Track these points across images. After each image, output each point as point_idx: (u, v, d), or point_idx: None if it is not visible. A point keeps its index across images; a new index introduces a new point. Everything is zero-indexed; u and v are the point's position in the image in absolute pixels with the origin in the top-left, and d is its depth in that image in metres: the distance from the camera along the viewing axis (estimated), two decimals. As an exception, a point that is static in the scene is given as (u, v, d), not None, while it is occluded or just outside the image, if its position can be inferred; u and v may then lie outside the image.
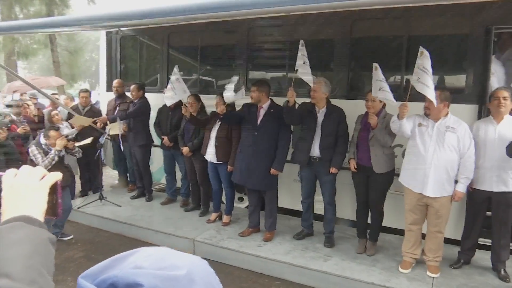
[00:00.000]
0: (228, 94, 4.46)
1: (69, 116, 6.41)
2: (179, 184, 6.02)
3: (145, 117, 5.92)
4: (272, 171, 4.45)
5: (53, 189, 0.78)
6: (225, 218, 5.15)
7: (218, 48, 6.23)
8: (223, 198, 5.28)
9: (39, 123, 6.92)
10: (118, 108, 6.17)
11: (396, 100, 4.41)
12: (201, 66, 6.17)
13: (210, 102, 5.07)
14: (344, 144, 4.28)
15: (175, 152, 5.69)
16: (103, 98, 7.21)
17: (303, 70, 4.05)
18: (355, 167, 4.14)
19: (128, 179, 6.83)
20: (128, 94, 6.25)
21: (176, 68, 5.19)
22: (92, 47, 29.64)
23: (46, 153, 4.49)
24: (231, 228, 5.01)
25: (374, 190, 4.09)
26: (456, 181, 3.67)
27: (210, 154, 4.94)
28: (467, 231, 3.99)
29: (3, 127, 5.05)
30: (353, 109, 4.37)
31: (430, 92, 3.36)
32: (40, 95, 7.85)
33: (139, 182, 6.32)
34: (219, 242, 4.60)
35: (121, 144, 6.11)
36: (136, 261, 0.60)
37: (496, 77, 4.31)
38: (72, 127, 6.22)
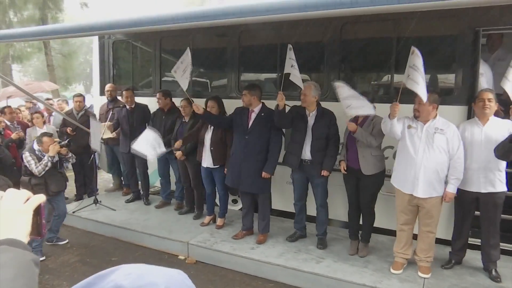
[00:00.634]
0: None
1: (64, 121, 6.42)
2: (173, 187, 6.05)
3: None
4: (264, 174, 4.48)
5: (37, 211, 0.82)
6: (219, 221, 5.17)
7: (210, 51, 6.26)
8: (217, 201, 5.31)
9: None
10: (111, 112, 6.19)
11: (386, 102, 4.48)
12: (193, 69, 6.19)
13: (202, 105, 5.10)
14: (335, 146, 4.31)
15: (169, 156, 5.70)
16: (96, 102, 7.23)
17: (292, 74, 4.09)
18: (345, 169, 4.18)
19: (123, 182, 6.84)
20: (119, 98, 6.30)
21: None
22: (86, 49, 29.62)
23: (39, 159, 4.50)
24: (225, 231, 5.04)
25: (364, 191, 4.13)
26: (446, 182, 3.71)
27: (207, 160, 4.96)
28: (457, 232, 4.03)
29: None
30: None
31: (419, 89, 3.37)
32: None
33: (134, 186, 6.34)
34: (213, 245, 4.63)
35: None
36: (116, 280, 0.62)
37: (485, 77, 4.36)
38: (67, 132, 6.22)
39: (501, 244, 3.88)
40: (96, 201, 5.91)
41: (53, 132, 6.14)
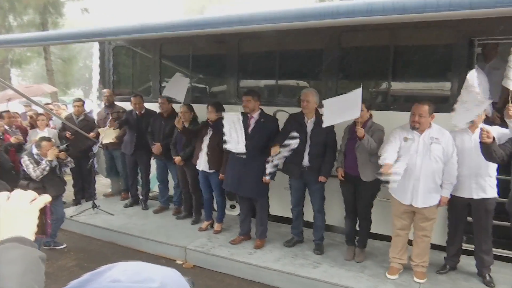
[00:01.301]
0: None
1: (63, 126, 6.46)
2: (171, 192, 6.08)
3: None
4: (264, 179, 4.52)
5: (43, 211, 0.87)
6: (217, 226, 5.20)
7: (210, 58, 6.33)
8: (215, 206, 5.34)
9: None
10: (110, 117, 6.22)
11: (383, 109, 4.56)
12: (193, 75, 6.26)
13: (202, 111, 5.16)
14: (332, 153, 4.36)
15: (167, 161, 5.75)
16: (96, 107, 7.27)
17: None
18: (343, 175, 4.23)
19: (122, 187, 6.86)
20: (122, 103, 6.36)
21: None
22: (85, 54, 29.66)
23: (38, 163, 4.53)
24: (223, 236, 5.07)
25: (362, 197, 4.17)
26: (440, 187, 3.77)
27: (202, 164, 5.00)
28: (451, 238, 4.08)
29: None
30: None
31: None
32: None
33: (133, 191, 6.35)
34: (211, 250, 4.65)
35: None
36: (113, 276, 0.65)
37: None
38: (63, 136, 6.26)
39: (494, 249, 3.94)
40: (94, 206, 5.92)
41: (54, 136, 6.19)
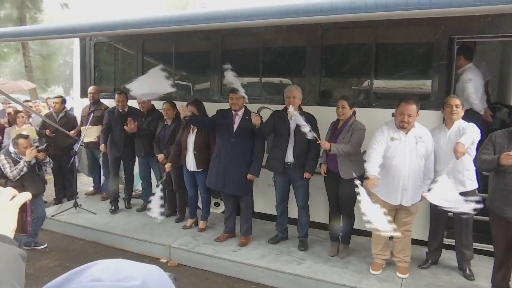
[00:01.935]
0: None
1: (43, 123, 6.32)
2: (154, 190, 6.01)
3: None
4: (249, 176, 4.52)
5: (23, 208, 0.85)
6: (201, 224, 5.18)
7: (193, 55, 6.28)
8: (199, 204, 5.32)
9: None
10: (92, 115, 6.13)
11: (365, 106, 4.61)
12: (176, 72, 6.21)
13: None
14: (316, 149, 4.38)
15: (150, 159, 5.69)
16: (77, 104, 7.14)
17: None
18: (325, 172, 4.26)
19: (101, 186, 6.73)
20: (102, 100, 6.25)
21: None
22: (66, 51, 29.08)
23: (15, 162, 4.43)
24: (207, 233, 5.05)
25: (344, 194, 4.20)
26: None
27: (191, 164, 4.96)
28: (432, 233, 4.16)
29: None
30: (324, 115, 4.49)
31: None
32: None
33: (114, 195, 6.00)
34: (195, 248, 4.63)
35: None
36: (94, 274, 0.62)
37: (473, 83, 4.49)
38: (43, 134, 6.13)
39: (474, 244, 4.03)
40: (76, 205, 5.83)
41: (31, 132, 6.07)
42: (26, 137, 4.68)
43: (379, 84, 4.94)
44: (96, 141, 6.02)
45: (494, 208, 3.40)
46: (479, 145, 3.59)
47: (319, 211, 4.81)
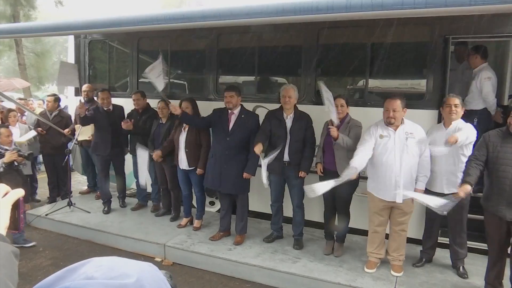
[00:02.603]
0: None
1: (37, 123, 6.28)
2: (149, 189, 6.00)
3: None
4: (245, 175, 4.51)
5: (15, 205, 0.83)
6: (196, 223, 5.17)
7: (188, 53, 6.26)
8: (194, 203, 5.31)
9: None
10: (86, 113, 6.07)
11: (361, 105, 4.62)
12: (171, 71, 6.18)
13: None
14: (311, 148, 4.39)
15: (145, 158, 5.66)
16: (71, 102, 7.10)
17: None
18: (322, 171, 4.26)
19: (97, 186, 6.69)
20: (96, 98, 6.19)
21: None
22: (60, 49, 28.89)
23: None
24: (202, 232, 5.04)
25: (340, 193, 4.20)
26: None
27: (183, 162, 4.95)
28: (427, 231, 4.18)
29: None
30: (320, 114, 4.49)
31: None
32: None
33: (106, 195, 5.92)
34: (190, 246, 4.62)
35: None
36: (87, 272, 0.61)
37: (492, 82, 4.49)
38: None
39: (468, 242, 4.06)
40: (70, 204, 5.79)
41: (25, 131, 6.04)
42: (7, 127, 4.71)
43: (374, 83, 4.95)
44: (90, 139, 5.98)
45: (488, 207, 3.43)
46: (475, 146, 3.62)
47: (314, 210, 4.81)
